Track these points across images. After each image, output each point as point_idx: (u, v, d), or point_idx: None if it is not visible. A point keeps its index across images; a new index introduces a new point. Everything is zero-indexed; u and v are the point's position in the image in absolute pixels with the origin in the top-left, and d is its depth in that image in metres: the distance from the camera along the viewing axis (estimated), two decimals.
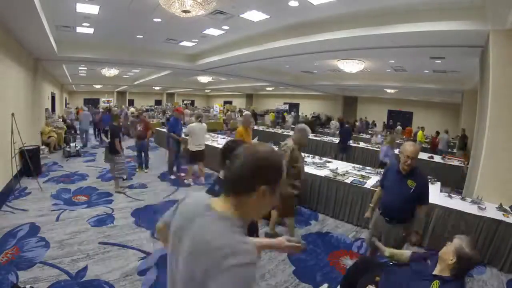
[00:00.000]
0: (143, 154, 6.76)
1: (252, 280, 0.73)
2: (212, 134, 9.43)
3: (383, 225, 2.62)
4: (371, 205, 2.87)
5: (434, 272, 1.69)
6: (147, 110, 17.71)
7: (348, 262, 3.28)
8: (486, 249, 3.28)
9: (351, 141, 9.24)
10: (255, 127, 13.84)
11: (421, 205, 2.51)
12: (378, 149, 8.08)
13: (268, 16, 5.62)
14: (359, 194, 4.27)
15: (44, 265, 2.90)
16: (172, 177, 6.31)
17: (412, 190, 2.45)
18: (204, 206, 0.87)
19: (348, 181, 4.45)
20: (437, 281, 1.62)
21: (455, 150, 10.10)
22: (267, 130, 13.54)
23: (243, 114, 5.89)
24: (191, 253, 0.80)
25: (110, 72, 12.88)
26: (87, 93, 25.06)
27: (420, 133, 11.59)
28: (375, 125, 17.26)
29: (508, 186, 3.83)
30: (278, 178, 0.86)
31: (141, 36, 7.46)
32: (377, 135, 10.74)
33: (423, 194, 2.50)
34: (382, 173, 2.91)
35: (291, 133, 9.05)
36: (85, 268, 2.88)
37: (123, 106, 18.36)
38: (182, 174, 6.42)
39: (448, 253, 1.64)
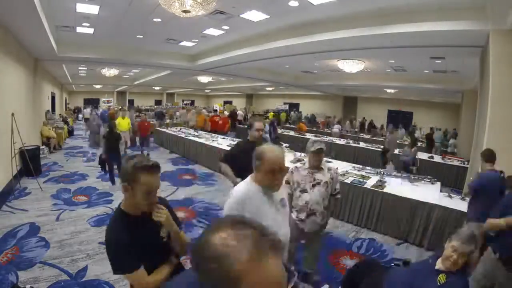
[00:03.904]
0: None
1: None
2: (212, 134, 9.44)
3: (501, 274, 1.92)
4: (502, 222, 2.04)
5: (437, 267, 1.72)
6: (147, 110, 17.71)
7: (348, 262, 3.28)
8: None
9: None
10: None
11: None
12: (375, 149, 8.11)
13: (268, 16, 5.62)
14: (359, 194, 4.28)
15: (44, 265, 2.90)
16: None
17: None
18: None
19: (348, 181, 4.45)
20: (443, 274, 1.65)
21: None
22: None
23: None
24: None
25: (110, 72, 12.89)
26: (87, 93, 25.06)
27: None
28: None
29: None
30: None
31: (141, 36, 7.45)
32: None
33: None
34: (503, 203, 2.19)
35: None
36: (85, 268, 2.88)
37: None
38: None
39: (451, 255, 1.65)
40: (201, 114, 11.78)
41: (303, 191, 2.50)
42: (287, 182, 2.57)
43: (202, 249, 0.55)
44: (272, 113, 19.43)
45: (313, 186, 2.48)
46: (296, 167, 2.64)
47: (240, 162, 2.77)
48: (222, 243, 0.54)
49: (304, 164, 2.63)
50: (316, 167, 2.51)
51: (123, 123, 7.78)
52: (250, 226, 0.58)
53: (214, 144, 7.43)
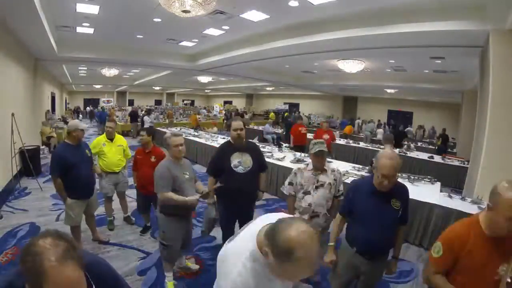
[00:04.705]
0: None
1: None
2: (212, 134, 9.44)
3: (362, 265, 1.97)
4: (331, 244, 2.08)
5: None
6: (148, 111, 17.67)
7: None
8: None
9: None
10: (255, 127, 13.84)
11: (403, 224, 1.99)
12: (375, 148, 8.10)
13: (268, 16, 5.62)
14: None
15: None
16: None
17: (399, 212, 1.89)
18: None
19: (348, 181, 4.44)
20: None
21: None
22: None
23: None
24: None
25: (110, 72, 12.91)
26: (87, 93, 25.12)
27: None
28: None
29: None
30: None
31: (141, 36, 7.46)
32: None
33: (406, 210, 1.95)
34: (344, 195, 2.24)
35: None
36: None
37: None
38: None
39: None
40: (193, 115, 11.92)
41: (306, 193, 2.45)
42: (290, 184, 2.55)
43: (27, 247, 0.77)
44: (272, 113, 19.45)
45: (316, 188, 2.43)
46: (299, 168, 2.56)
47: (222, 166, 2.74)
48: (41, 245, 0.75)
49: (307, 165, 2.55)
50: (319, 168, 2.45)
51: None
52: (65, 240, 0.79)
53: (214, 144, 7.43)
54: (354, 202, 1.98)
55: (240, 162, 2.75)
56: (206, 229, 3.14)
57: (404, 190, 1.96)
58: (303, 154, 6.09)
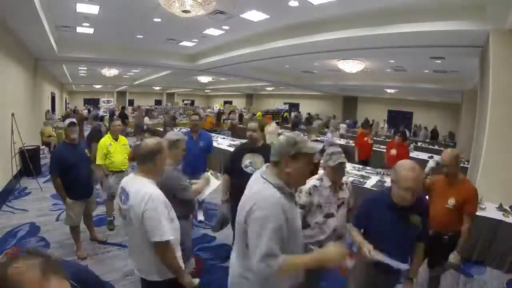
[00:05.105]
0: None
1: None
2: (212, 134, 9.43)
3: (380, 282, 1.88)
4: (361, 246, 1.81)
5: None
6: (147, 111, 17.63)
7: (348, 263, 3.27)
8: (486, 249, 3.28)
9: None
10: None
11: (421, 241, 1.84)
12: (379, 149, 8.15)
13: (268, 16, 5.62)
14: (359, 194, 4.27)
15: None
16: None
17: (419, 230, 1.75)
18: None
19: (348, 181, 4.43)
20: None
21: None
22: None
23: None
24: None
25: (110, 72, 12.90)
26: (87, 93, 25.08)
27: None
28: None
29: (508, 186, 3.83)
30: None
31: (141, 36, 7.46)
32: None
33: (425, 223, 1.79)
34: (359, 207, 1.98)
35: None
36: None
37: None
38: None
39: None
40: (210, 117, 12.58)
41: (329, 215, 1.99)
42: (302, 207, 1.99)
43: (3, 280, 0.63)
44: (259, 113, 19.39)
45: (338, 207, 2.03)
46: (315, 185, 2.02)
47: (234, 166, 2.78)
48: (15, 272, 0.62)
49: (322, 180, 2.05)
50: (338, 184, 2.06)
51: None
52: (39, 255, 0.68)
53: (214, 144, 7.41)
54: (370, 217, 1.82)
55: (251, 163, 2.78)
56: (217, 224, 3.15)
57: (422, 201, 1.81)
58: (369, 169, 5.28)
